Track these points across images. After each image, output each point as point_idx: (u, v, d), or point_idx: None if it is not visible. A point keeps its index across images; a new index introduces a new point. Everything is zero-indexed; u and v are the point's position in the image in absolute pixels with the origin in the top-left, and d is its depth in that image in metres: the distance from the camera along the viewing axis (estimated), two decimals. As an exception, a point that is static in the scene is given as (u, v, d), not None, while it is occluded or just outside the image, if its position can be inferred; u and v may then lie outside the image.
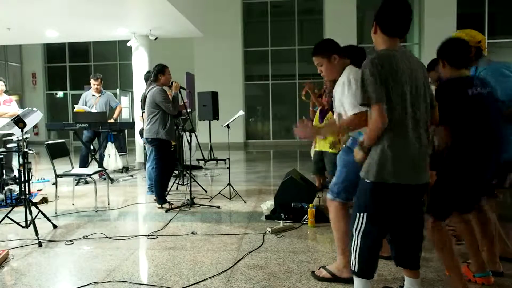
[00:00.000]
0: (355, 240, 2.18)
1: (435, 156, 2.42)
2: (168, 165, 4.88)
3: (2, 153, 5.32)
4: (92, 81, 6.85)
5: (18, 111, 5.77)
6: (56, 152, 4.74)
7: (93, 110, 6.78)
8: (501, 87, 2.62)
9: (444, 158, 2.40)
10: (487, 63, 2.80)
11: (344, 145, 2.84)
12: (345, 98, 2.45)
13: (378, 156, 2.07)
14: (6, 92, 6.53)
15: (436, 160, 2.41)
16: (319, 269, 2.78)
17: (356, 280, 2.22)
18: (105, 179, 6.56)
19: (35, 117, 4.78)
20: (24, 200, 3.85)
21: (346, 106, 2.44)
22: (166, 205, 4.75)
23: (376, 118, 2.03)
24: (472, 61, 2.76)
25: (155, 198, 4.91)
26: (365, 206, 2.15)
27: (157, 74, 4.75)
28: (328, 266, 2.75)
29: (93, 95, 6.92)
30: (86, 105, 6.86)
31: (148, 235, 3.75)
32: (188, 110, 5.44)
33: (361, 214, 2.16)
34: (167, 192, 5.08)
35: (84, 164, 6.58)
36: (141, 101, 5.55)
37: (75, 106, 6.94)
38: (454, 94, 2.35)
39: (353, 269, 2.19)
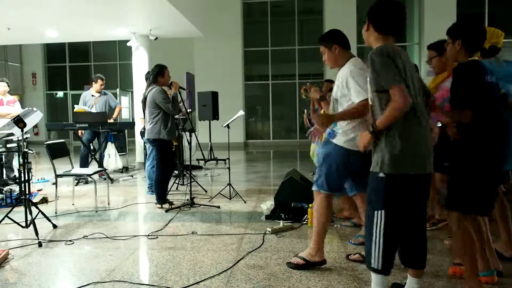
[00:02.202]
0: (376, 238, 2.15)
1: (448, 147, 2.41)
2: (169, 165, 4.88)
3: (2, 153, 5.32)
4: (100, 82, 6.88)
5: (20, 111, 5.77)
6: (56, 152, 4.75)
7: (93, 110, 6.79)
8: None
9: (460, 148, 2.33)
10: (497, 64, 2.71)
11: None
12: (351, 86, 2.62)
13: (393, 147, 2.07)
14: (8, 92, 6.54)
15: (449, 151, 2.39)
16: (293, 258, 2.95)
17: (376, 277, 2.21)
18: (105, 179, 6.56)
19: (35, 117, 4.77)
20: (24, 200, 3.85)
21: (352, 95, 2.61)
22: (166, 205, 4.76)
23: (398, 99, 2.00)
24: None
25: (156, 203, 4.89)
26: (382, 202, 2.13)
27: (156, 76, 4.76)
28: (301, 253, 2.92)
29: (92, 95, 6.92)
30: (85, 105, 6.87)
31: (148, 235, 3.75)
32: (188, 110, 5.44)
33: (379, 212, 2.14)
34: (167, 192, 5.07)
35: (84, 164, 6.59)
36: (142, 102, 5.55)
37: (75, 106, 6.95)
38: (474, 78, 2.29)
39: (376, 267, 2.17)
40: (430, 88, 3.18)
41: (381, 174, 2.11)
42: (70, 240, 3.63)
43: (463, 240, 2.31)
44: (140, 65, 8.72)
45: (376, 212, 2.15)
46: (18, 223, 3.79)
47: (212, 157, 8.72)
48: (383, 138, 2.12)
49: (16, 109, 6.32)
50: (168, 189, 5.24)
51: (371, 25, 2.21)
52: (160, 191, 4.80)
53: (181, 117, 6.20)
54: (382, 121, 2.08)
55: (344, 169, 2.75)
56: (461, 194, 2.31)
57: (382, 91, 2.08)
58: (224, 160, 7.44)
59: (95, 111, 6.75)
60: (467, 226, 2.31)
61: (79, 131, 6.65)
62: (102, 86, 6.93)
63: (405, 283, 2.39)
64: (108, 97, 7.02)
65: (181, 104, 5.16)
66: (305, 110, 2.88)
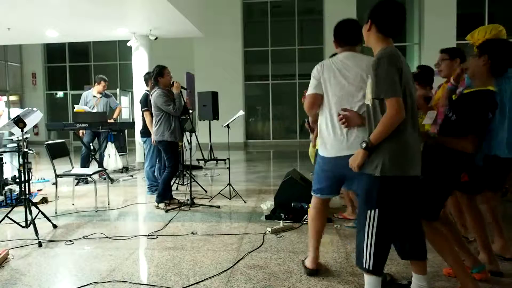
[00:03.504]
0: (368, 238, 2.14)
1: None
2: (177, 164, 4.93)
3: (2, 153, 5.32)
4: (103, 83, 6.88)
5: (14, 110, 5.75)
6: (56, 152, 4.75)
7: (94, 110, 6.79)
8: None
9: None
10: None
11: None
12: None
13: (390, 150, 2.07)
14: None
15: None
16: (304, 258, 2.94)
17: (369, 278, 2.19)
18: (105, 179, 6.56)
19: (35, 117, 4.78)
20: (24, 200, 3.85)
21: None
22: (161, 205, 4.77)
23: (393, 113, 2.02)
24: None
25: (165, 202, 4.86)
26: (376, 201, 2.13)
27: (157, 77, 4.77)
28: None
29: (94, 96, 6.92)
30: (86, 105, 6.87)
31: (148, 235, 3.75)
32: (189, 111, 5.44)
33: (372, 211, 2.14)
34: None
35: (85, 164, 6.60)
36: (140, 101, 5.56)
37: (75, 106, 6.95)
38: (480, 111, 2.35)
39: (367, 267, 2.15)
40: (437, 98, 3.19)
41: (377, 175, 2.10)
42: (70, 240, 3.63)
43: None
44: (140, 65, 8.71)
45: (369, 211, 2.15)
46: (18, 223, 3.79)
47: (212, 157, 8.72)
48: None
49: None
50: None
51: (373, 26, 2.19)
52: (163, 189, 4.81)
53: (182, 117, 6.19)
54: (376, 137, 2.08)
55: (321, 173, 2.73)
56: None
57: (380, 99, 2.09)
58: (224, 160, 7.44)
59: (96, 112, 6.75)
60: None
61: (80, 132, 6.65)
62: (105, 88, 6.95)
63: (406, 283, 2.40)
64: (110, 100, 7.02)
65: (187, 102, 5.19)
66: (305, 120, 2.87)
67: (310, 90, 2.64)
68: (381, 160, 2.09)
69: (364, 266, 2.17)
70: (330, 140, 2.56)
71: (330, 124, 2.55)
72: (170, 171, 4.81)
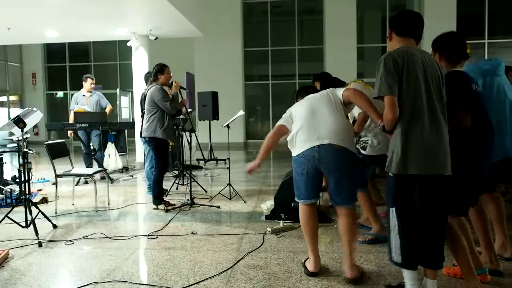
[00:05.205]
0: (393, 234, 2.17)
1: None
2: (167, 164, 4.87)
3: (2, 153, 5.32)
4: (90, 81, 6.93)
5: (14, 110, 5.76)
6: (56, 152, 4.75)
7: (87, 109, 6.85)
8: None
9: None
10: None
11: None
12: None
13: (397, 147, 2.11)
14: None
15: None
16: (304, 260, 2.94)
17: (404, 272, 2.22)
18: (104, 178, 6.56)
19: (35, 117, 4.77)
20: (24, 200, 3.85)
21: None
22: (161, 206, 4.75)
23: (387, 110, 2.11)
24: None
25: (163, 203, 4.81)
26: (393, 200, 2.17)
27: (157, 73, 4.76)
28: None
29: (83, 95, 6.97)
30: (77, 105, 6.92)
31: (148, 235, 3.75)
32: (189, 110, 5.44)
33: (391, 209, 2.18)
34: (167, 192, 5.04)
35: (89, 163, 6.65)
36: (141, 101, 5.56)
37: (75, 106, 6.97)
38: (460, 86, 2.35)
39: (395, 260, 2.18)
40: None
41: (390, 173, 2.16)
42: (70, 240, 3.63)
43: (453, 241, 2.32)
44: (140, 65, 8.72)
45: (389, 209, 2.20)
46: (18, 223, 3.80)
47: (212, 157, 8.72)
48: (392, 139, 2.19)
49: None
50: (168, 189, 5.22)
51: (393, 32, 2.30)
52: (157, 191, 4.78)
53: (181, 117, 6.21)
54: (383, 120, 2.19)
55: (297, 177, 2.77)
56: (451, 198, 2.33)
57: (378, 97, 2.18)
58: (224, 160, 7.44)
59: (90, 111, 6.81)
60: (454, 227, 2.33)
61: (68, 132, 6.74)
62: (93, 85, 6.98)
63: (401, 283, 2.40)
64: (99, 97, 7.05)
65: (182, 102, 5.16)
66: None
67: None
68: (390, 157, 2.16)
69: (393, 259, 2.20)
70: (302, 135, 2.69)
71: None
72: (159, 171, 4.72)
